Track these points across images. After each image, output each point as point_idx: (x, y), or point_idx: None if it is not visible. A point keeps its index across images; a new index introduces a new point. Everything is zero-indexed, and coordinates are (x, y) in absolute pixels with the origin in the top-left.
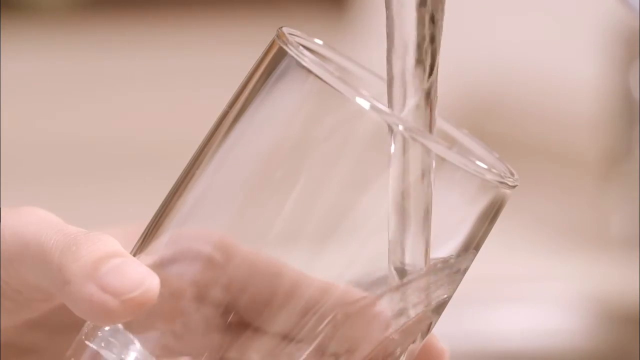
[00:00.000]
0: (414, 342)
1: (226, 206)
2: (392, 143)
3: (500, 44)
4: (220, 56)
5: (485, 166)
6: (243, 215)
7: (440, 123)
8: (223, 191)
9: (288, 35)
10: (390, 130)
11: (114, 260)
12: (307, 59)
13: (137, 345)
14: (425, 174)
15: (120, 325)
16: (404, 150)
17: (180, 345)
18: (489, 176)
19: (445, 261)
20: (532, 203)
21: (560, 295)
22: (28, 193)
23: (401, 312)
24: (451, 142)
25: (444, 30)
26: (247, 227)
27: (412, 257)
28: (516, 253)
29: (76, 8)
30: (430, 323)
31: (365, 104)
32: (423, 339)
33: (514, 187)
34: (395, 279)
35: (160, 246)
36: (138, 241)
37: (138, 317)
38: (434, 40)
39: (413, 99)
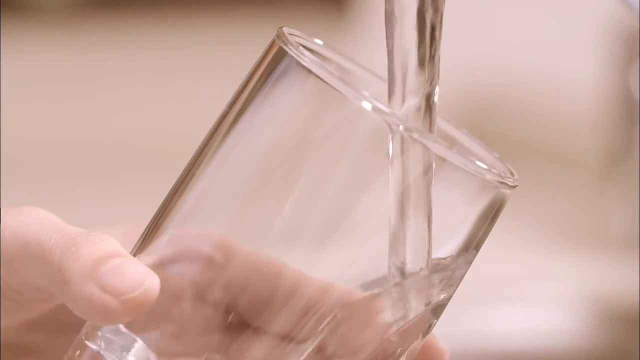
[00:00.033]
0: (414, 342)
1: (226, 206)
2: (392, 143)
3: (500, 44)
4: (220, 56)
5: (485, 166)
6: (243, 215)
7: (440, 123)
8: (223, 191)
9: (288, 35)
10: (390, 130)
11: (114, 260)
12: (307, 59)
13: (137, 345)
14: (425, 174)
15: (120, 326)
16: (404, 150)
17: (180, 345)
18: (489, 176)
19: (445, 261)
20: (532, 203)
21: (560, 295)
22: (28, 193)
23: (401, 312)
24: (451, 142)
25: (444, 30)
26: (247, 227)
27: (412, 257)
28: (516, 253)
29: (76, 8)
30: (430, 323)
31: (365, 104)
32: (423, 339)
33: (514, 187)
34: (395, 279)
35: (160, 246)
36: (138, 241)
37: (138, 317)
38: (434, 39)
39: (413, 99)
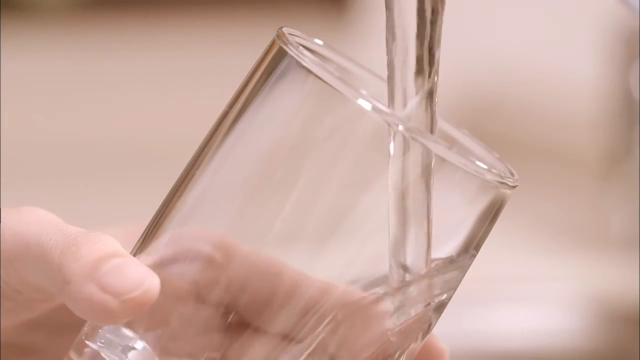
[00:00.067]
0: (414, 342)
1: (226, 206)
2: (392, 143)
3: (500, 44)
4: (220, 56)
5: (485, 166)
6: (243, 215)
7: (440, 123)
8: (223, 191)
9: (288, 36)
10: (390, 130)
11: (114, 260)
12: (307, 59)
13: (137, 345)
14: (425, 174)
15: (120, 326)
16: (404, 150)
17: (181, 345)
18: (489, 176)
19: (445, 261)
20: (532, 203)
21: (560, 295)
22: (28, 193)
23: (401, 312)
24: (451, 142)
25: (444, 30)
26: (247, 227)
27: (412, 257)
28: (516, 253)
29: (76, 8)
30: (430, 323)
31: (365, 104)
32: (423, 339)
33: (514, 187)
34: (395, 279)
35: (161, 246)
36: (138, 241)
37: (138, 317)
38: (434, 39)
39: (414, 99)
